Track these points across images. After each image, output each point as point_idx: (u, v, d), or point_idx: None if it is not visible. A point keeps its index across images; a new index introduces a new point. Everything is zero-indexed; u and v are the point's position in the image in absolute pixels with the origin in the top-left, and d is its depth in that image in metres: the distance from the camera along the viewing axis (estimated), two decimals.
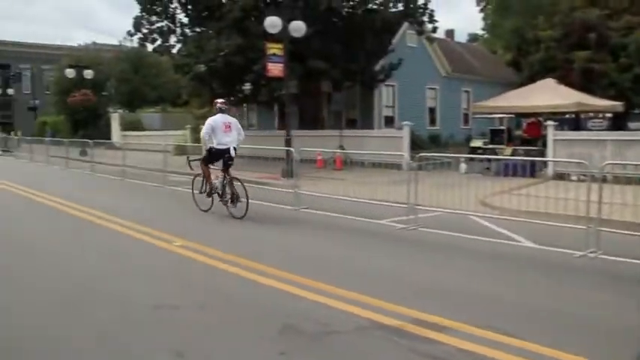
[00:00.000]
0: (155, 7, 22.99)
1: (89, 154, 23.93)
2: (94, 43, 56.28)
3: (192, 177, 11.87)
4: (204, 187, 11.19)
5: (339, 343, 4.60)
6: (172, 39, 23.70)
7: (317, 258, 7.46)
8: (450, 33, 37.58)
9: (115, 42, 52.60)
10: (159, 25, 23.42)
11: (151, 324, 5.02)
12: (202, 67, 21.97)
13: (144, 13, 23.11)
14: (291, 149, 14.15)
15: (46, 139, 30.37)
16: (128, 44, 43.39)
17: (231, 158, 10.59)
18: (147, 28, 23.36)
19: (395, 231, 9.22)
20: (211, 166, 10.94)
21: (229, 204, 10.65)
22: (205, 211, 11.13)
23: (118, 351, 4.47)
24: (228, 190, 10.64)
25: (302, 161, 13.23)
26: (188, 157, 11.69)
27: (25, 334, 4.83)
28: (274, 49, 17.03)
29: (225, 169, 10.66)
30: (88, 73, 34.15)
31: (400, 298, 5.58)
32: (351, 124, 25.22)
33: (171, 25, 23.53)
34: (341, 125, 22.13)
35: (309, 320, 5.01)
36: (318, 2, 19.29)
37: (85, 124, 38.19)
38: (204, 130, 10.70)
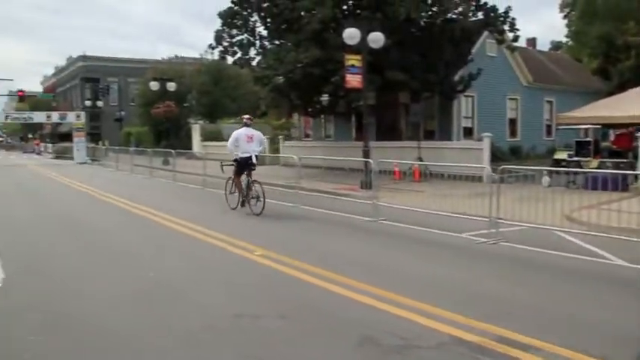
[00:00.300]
0: (235, 21, 23.61)
1: (171, 163, 24.82)
2: (177, 57, 58.54)
3: (225, 180, 13.65)
4: (232, 189, 13.28)
5: (418, 358, 4.56)
6: (252, 52, 24.23)
7: (395, 270, 7.43)
8: (531, 41, 36.61)
9: (197, 55, 54.49)
10: (239, 38, 24.01)
11: (233, 333, 5.13)
12: (281, 79, 22.34)
13: (225, 27, 23.76)
14: (370, 160, 14.15)
15: (131, 148, 31.73)
16: (209, 57, 44.98)
17: (253, 164, 12.54)
18: (227, 42, 24.00)
19: (475, 245, 9.05)
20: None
21: (250, 202, 12.53)
22: (233, 208, 13.04)
23: (200, 358, 4.60)
24: (253, 191, 12.56)
25: (380, 173, 13.22)
26: (221, 162, 13.48)
27: (115, 340, 5.05)
28: (353, 60, 17.13)
29: (248, 173, 12.65)
30: (171, 86, 35.43)
31: (481, 313, 5.48)
32: (429, 135, 24.96)
33: (250, 38, 24.07)
34: (419, 136, 21.94)
35: (388, 333, 5.00)
36: (397, 13, 19.26)
37: (167, 134, 39.56)
38: (230, 140, 12.65)
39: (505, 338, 4.84)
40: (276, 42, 23.65)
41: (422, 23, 21.19)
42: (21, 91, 64.32)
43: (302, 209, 13.33)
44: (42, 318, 5.60)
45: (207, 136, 40.46)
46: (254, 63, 24.40)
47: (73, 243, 9.63)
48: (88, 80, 66.58)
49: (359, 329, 5.10)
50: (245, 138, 12.60)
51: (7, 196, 17.57)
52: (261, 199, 12.34)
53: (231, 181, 13.34)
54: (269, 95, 24.75)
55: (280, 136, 31.76)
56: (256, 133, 12.96)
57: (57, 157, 47.90)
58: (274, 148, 30.64)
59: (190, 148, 39.42)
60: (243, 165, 12.59)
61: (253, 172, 12.78)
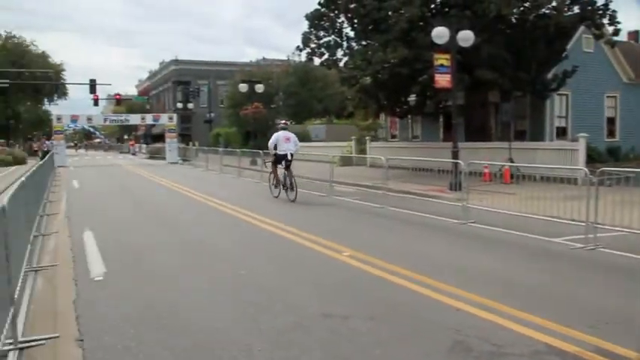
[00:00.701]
0: (323, 23, 23.85)
1: (259, 163, 25.37)
2: (264, 59, 59.65)
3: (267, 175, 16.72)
4: (273, 181, 16.37)
5: None
6: (339, 52, 24.41)
7: (486, 274, 7.28)
8: (634, 34, 34.76)
9: (283, 57, 55.38)
10: (326, 39, 24.25)
11: (322, 332, 5.19)
12: (368, 80, 22.38)
13: (312, 29, 24.06)
14: (459, 162, 13.92)
15: (220, 149, 32.68)
16: (296, 59, 45.63)
17: (289, 160, 15.38)
18: (315, 43, 24.28)
19: (571, 250, 8.72)
20: (279, 166, 15.86)
21: (288, 191, 15.48)
22: (276, 197, 15.91)
23: (290, 357, 4.69)
24: (287, 181, 15.49)
25: (469, 174, 12.98)
26: (264, 160, 16.94)
27: (204, 334, 5.23)
28: (442, 59, 16.92)
29: (286, 167, 15.47)
30: (259, 88, 36.21)
31: (578, 322, 5.28)
32: (520, 135, 24.25)
33: (338, 39, 24.25)
34: (509, 137, 21.36)
35: (480, 339, 4.92)
36: (487, 10, 18.84)
37: (255, 135, 40.44)
38: (271, 141, 15.71)
39: (603, 350, 4.65)
40: (364, 43, 23.70)
41: (513, 20, 20.62)
42: (118, 94, 67.76)
43: (389, 210, 13.31)
44: (136, 309, 5.90)
45: None
46: (341, 64, 24.59)
47: (168, 240, 10.05)
48: (180, 83, 69.11)
49: (450, 334, 5.06)
50: (283, 139, 15.59)
51: (105, 195, 18.55)
52: (295, 189, 15.33)
53: (272, 175, 16.38)
54: (356, 96, 24.84)
55: (367, 137, 31.75)
56: (292, 135, 15.93)
57: (150, 157, 50.13)
58: (361, 148, 30.68)
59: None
60: (280, 159, 15.57)
61: (289, 168, 15.61)
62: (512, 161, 18.69)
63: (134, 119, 48.31)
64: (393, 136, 33.76)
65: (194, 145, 46.67)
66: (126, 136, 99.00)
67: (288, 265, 7.96)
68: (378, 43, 21.24)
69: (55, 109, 70.60)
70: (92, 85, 50.39)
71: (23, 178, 8.96)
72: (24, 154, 48.78)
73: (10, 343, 4.89)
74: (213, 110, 55.57)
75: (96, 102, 54.80)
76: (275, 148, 15.58)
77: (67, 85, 68.93)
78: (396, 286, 6.65)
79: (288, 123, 16.40)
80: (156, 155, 49.11)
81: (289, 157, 15.44)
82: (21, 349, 4.97)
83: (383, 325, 5.33)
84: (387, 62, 20.52)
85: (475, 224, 11.06)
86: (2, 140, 57.05)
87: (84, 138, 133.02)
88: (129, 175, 28.92)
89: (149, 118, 47.29)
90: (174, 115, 46.33)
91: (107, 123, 51.70)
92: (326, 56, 24.31)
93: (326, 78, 45.81)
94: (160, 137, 60.43)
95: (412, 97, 23.77)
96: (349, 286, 6.72)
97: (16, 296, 5.47)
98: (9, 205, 5.42)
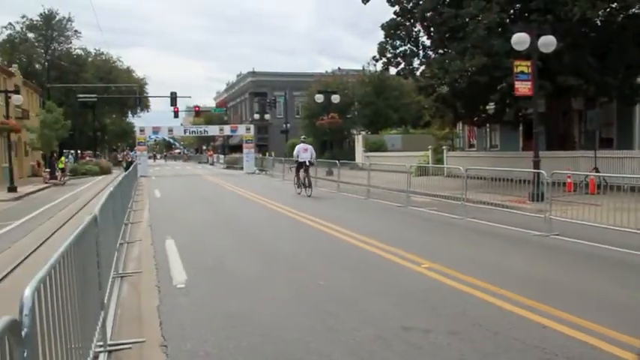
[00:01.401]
0: (399, 32, 23.72)
1: (335, 173, 25.49)
2: (339, 69, 59.88)
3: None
4: (295, 181, 21.61)
5: None
6: (415, 62, 24.21)
7: (573, 289, 6.98)
8: None
9: (358, 67, 55.47)
10: (402, 49, 24.10)
11: (403, 346, 5.11)
12: (445, 88, 22.08)
13: (388, 39, 23.96)
14: (542, 172, 13.48)
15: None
16: (371, 68, 45.59)
17: (307, 166, 20.80)
18: (391, 53, 24.18)
19: None
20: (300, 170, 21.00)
21: (306, 189, 20.67)
22: (298, 194, 20.83)
23: None
24: (306, 181, 20.80)
25: (551, 185, 12.54)
26: (290, 166, 23.55)
27: (282, 343, 5.27)
28: (522, 66, 16.47)
29: (305, 170, 20.79)
30: (335, 98, 36.40)
31: None
32: (607, 143, 23.23)
33: (414, 48, 24.06)
34: (594, 145, 20.51)
35: (567, 358, 4.72)
36: (570, 13, 18.19)
37: (331, 145, 40.68)
38: (295, 151, 21.45)
39: None
40: (440, 51, 23.42)
41: (598, 22, 19.80)
42: (197, 106, 70.20)
43: (468, 222, 13.04)
44: (216, 316, 6.02)
45: (370, 147, 41.02)
46: (418, 73, 24.37)
47: (248, 249, 10.22)
48: (257, 95, 70.58)
49: (536, 353, 4.87)
50: (302, 150, 21.02)
51: (185, 204, 19.09)
52: (310, 187, 20.69)
53: (296, 177, 21.61)
54: (433, 105, 24.56)
55: (444, 147, 31.32)
56: (309, 147, 21.42)
57: (228, 167, 51.29)
58: (437, 158, 30.28)
59: (353, 159, 40.21)
60: (301, 165, 20.94)
61: (307, 171, 20.89)
62: (597, 171, 17.93)
63: (212, 130, 49.79)
64: (471, 146, 33.16)
65: (271, 155, 47.38)
66: (204, 147, 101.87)
67: (368, 276, 7.91)
68: (455, 51, 20.93)
69: (138, 121, 73.95)
70: (173, 98, 52.40)
71: (111, 188, 9.34)
72: (109, 165, 51.33)
73: (101, 346, 5.09)
74: (290, 121, 56.16)
75: (176, 114, 56.88)
76: (297, 157, 21.07)
77: (149, 98, 72.34)
78: (478, 300, 6.48)
79: (306, 137, 23.26)
80: (233, 165, 50.25)
81: (307, 164, 20.83)
82: (110, 351, 5.18)
83: (465, 341, 5.20)
84: (465, 70, 20.19)
85: (559, 237, 10.66)
86: (89, 151, 60.06)
87: (164, 149, 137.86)
88: (208, 185, 29.67)
89: (227, 129, 48.66)
90: (252, 126, 47.47)
91: (187, 134, 53.31)
92: (402, 66, 24.18)
93: (402, 87, 45.53)
94: (237, 148, 61.84)
95: (490, 106, 23.26)
96: (429, 299, 6.60)
97: (105, 301, 5.70)
98: (100, 214, 5.67)
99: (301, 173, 21.05)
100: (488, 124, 27.62)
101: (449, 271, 7.82)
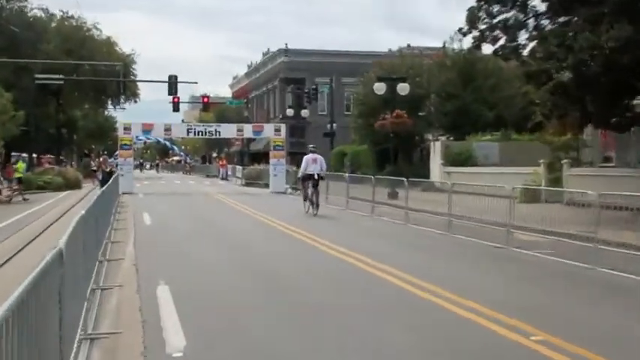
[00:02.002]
0: None
1: (401, 196, 25.28)
2: (409, 47, 59.75)
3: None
4: (303, 196, 26.24)
5: None
6: (522, 35, 23.94)
7: None
8: None
9: (437, 44, 55.23)
10: (503, 17, 23.86)
11: None
12: (567, 74, 21.69)
13: (481, 3, 23.73)
14: None
15: (346, 174, 32.92)
16: (455, 46, 45.28)
17: (315, 180, 24.89)
18: (486, 23, 23.98)
19: None
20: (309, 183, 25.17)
21: (312, 207, 24.79)
22: (306, 212, 24.90)
23: None
24: (313, 198, 24.88)
25: None
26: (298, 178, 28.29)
27: None
28: None
29: (313, 185, 24.94)
30: (403, 88, 36.09)
31: None
32: None
33: (520, 15, 23.79)
34: None
35: None
36: None
37: (395, 155, 40.38)
38: (303, 163, 25.98)
39: None
40: (561, 19, 23.08)
41: None
42: (205, 96, 70.05)
43: (602, 274, 12.72)
44: None
45: (452, 159, 40.63)
46: (525, 52, 24.07)
47: (276, 302, 10.10)
48: (290, 81, 70.96)
49: None
50: (311, 161, 25.40)
51: (187, 235, 19.11)
52: (316, 204, 24.82)
53: (302, 192, 26.53)
54: (548, 98, 24.14)
55: (564, 160, 30.68)
56: (319, 157, 25.75)
57: (247, 184, 51.33)
58: (553, 177, 29.66)
59: (427, 176, 39.90)
60: (308, 178, 25.16)
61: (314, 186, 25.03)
62: None
63: (227, 131, 49.82)
64: (606, 159, 32.49)
65: None
66: (214, 154, 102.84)
67: (450, 350, 7.69)
68: (584, 19, 20.59)
69: (122, 115, 74.61)
70: (172, 84, 52.80)
71: (83, 211, 9.28)
72: (78, 175, 51.21)
73: None
74: (336, 119, 56.36)
75: (176, 106, 57.36)
76: (305, 169, 25.45)
77: (137, 84, 72.49)
78: None
79: (316, 147, 27.84)
80: (256, 181, 50.21)
81: (316, 177, 24.93)
82: None
83: None
84: (599, 47, 19.78)
85: None
86: (50, 156, 60.67)
87: (158, 155, 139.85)
88: (219, 208, 29.81)
89: (248, 130, 48.70)
90: (283, 126, 47.35)
91: (190, 135, 53.43)
92: (502, 41, 23.95)
93: (500, 73, 45.00)
94: (261, 156, 62.21)
95: (639, 100, 22.78)
96: None
97: None
98: (67, 248, 5.58)
99: (310, 189, 25.19)
100: (633, 128, 26.99)
101: (577, 350, 7.51)
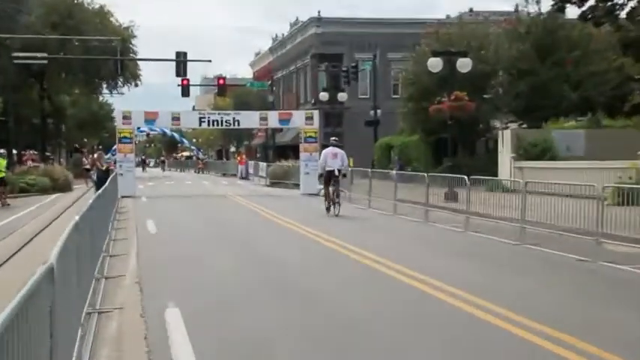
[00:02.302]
0: None
1: (461, 198, 25.13)
2: (472, 12, 59.50)
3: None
4: (324, 194, 28.30)
5: None
6: None
7: None
8: None
9: (507, 7, 54.85)
10: None
11: None
12: None
13: None
14: None
15: (393, 171, 32.85)
16: (530, 10, 44.91)
17: (336, 176, 26.65)
18: None
19: None
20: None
21: (333, 207, 26.86)
22: (327, 209, 27.24)
23: None
24: (334, 197, 26.86)
25: None
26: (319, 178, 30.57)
27: None
28: None
29: (334, 182, 26.63)
30: (464, 64, 35.86)
31: None
32: None
33: None
34: None
35: None
36: None
37: (454, 148, 40.19)
38: (320, 158, 28.62)
39: None
40: None
41: None
42: (221, 77, 70.03)
43: None
44: None
45: (525, 151, 40.30)
46: (622, 14, 23.88)
47: (306, 326, 10.11)
48: (324, 58, 70.64)
49: None
50: (330, 155, 27.27)
51: (202, 247, 19.19)
52: (339, 204, 27.07)
53: (324, 191, 28.20)
54: None
55: None
56: (340, 152, 27.73)
57: (273, 184, 51.32)
58: None
59: (494, 173, 39.62)
60: (329, 176, 26.83)
61: (334, 183, 27.05)
62: None
63: (247, 119, 49.36)
64: None
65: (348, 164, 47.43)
66: (232, 148, 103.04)
67: None
68: None
69: (120, 101, 74.96)
70: (180, 62, 52.83)
71: (77, 217, 9.35)
72: (68, 175, 51.39)
73: None
74: (381, 104, 56.27)
75: (185, 89, 57.30)
76: (324, 164, 27.48)
77: (138, 63, 72.64)
78: None
79: (338, 140, 30.83)
80: (282, 181, 50.21)
81: (336, 173, 26.84)
82: None
83: None
84: None
85: None
86: (33, 152, 60.89)
87: (164, 149, 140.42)
88: (238, 213, 29.96)
89: (273, 118, 48.36)
90: (315, 113, 47.15)
91: (204, 126, 53.16)
92: (592, 1, 23.72)
93: (588, 43, 44.53)
94: (290, 150, 62.13)
95: None
96: None
97: None
98: (59, 263, 5.63)
99: (330, 187, 27.21)
100: None
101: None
